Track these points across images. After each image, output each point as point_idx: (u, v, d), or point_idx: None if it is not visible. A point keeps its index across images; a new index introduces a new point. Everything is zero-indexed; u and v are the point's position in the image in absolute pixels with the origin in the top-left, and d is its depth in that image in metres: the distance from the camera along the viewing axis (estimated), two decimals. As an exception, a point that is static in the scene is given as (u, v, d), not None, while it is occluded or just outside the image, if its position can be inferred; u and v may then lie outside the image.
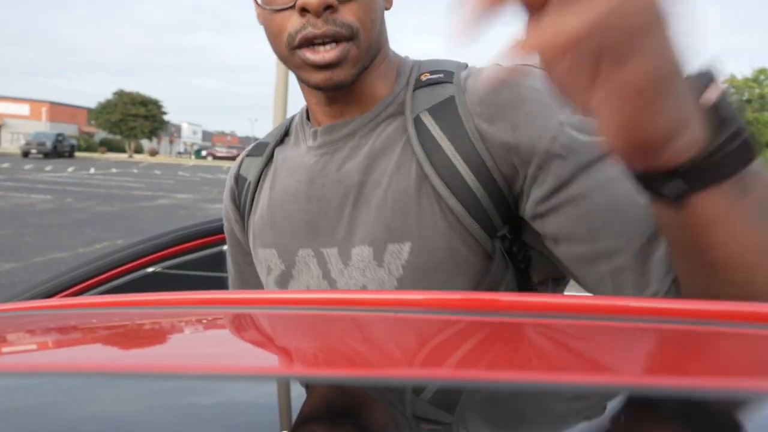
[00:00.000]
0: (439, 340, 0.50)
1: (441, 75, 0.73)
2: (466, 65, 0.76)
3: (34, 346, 0.53)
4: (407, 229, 0.68)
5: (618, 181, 0.60)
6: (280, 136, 0.86)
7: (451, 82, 0.72)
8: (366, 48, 0.71)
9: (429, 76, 0.75)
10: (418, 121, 0.70)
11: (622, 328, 0.51)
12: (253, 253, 0.85)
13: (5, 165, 25.36)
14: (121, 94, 48.54)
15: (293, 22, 0.69)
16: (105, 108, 47.07)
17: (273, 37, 0.72)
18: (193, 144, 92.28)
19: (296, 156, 0.81)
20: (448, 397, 0.36)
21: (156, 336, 0.56)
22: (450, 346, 0.48)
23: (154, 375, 0.39)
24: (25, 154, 34.09)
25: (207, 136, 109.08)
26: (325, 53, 0.68)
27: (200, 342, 0.52)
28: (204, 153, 55.90)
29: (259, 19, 0.76)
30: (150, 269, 1.40)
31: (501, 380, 0.38)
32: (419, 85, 0.74)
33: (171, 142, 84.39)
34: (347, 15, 0.68)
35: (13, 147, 51.86)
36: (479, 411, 0.35)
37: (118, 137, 49.67)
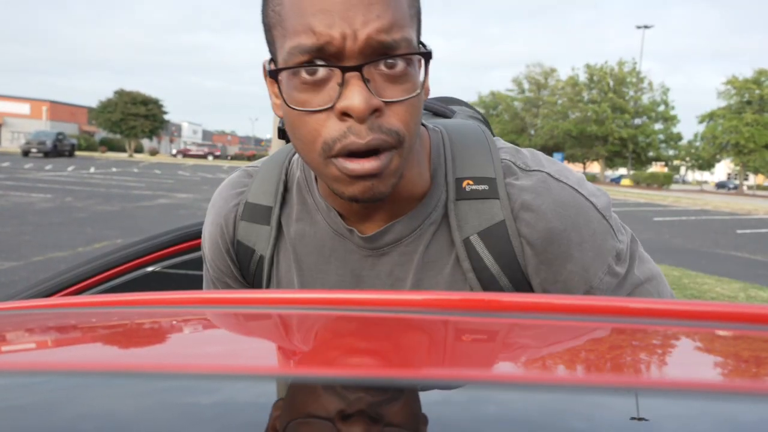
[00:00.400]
0: (440, 340, 0.50)
1: (486, 187, 0.69)
2: (501, 161, 0.71)
3: (33, 345, 0.53)
4: None
5: None
6: (279, 199, 0.77)
7: (497, 198, 0.68)
8: (407, 155, 0.63)
9: (472, 186, 0.69)
10: (467, 243, 0.69)
11: (622, 329, 0.51)
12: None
13: (5, 164, 25.35)
14: (121, 94, 48.51)
15: (330, 128, 0.59)
16: (105, 107, 47.06)
17: (303, 142, 0.62)
18: (193, 143, 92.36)
19: (319, 239, 0.74)
20: (448, 397, 0.36)
21: (156, 336, 0.56)
22: (450, 346, 0.48)
23: (154, 375, 0.39)
24: (26, 153, 34.08)
25: (207, 135, 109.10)
26: (366, 162, 0.59)
27: (200, 342, 0.52)
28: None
29: (280, 113, 0.66)
30: (150, 269, 1.40)
31: (501, 380, 0.38)
32: (462, 196, 0.70)
33: (171, 141, 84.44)
34: (393, 119, 0.59)
35: (14, 146, 51.87)
36: (479, 411, 0.35)
37: (118, 137, 49.68)
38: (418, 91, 0.60)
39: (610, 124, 47.61)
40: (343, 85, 0.57)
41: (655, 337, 0.50)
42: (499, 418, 0.34)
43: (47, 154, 34.36)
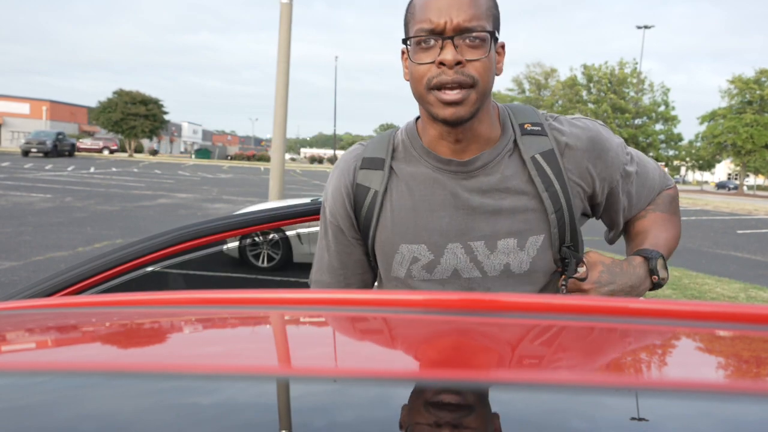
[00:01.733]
0: (439, 340, 0.50)
1: (538, 128, 1.07)
2: (543, 115, 1.11)
3: (33, 345, 0.53)
4: (539, 225, 1.04)
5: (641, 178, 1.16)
6: (390, 152, 1.11)
7: (546, 135, 1.07)
8: (482, 95, 0.98)
9: (531, 127, 1.08)
10: (534, 160, 1.05)
11: (622, 329, 0.51)
12: (388, 247, 1.09)
13: (5, 164, 25.34)
14: (121, 94, 48.46)
15: (432, 71, 0.96)
16: (105, 107, 47.01)
17: (417, 81, 0.99)
18: (193, 143, 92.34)
19: (424, 173, 1.07)
20: (448, 396, 0.36)
21: (156, 336, 0.56)
22: (450, 346, 0.48)
23: (154, 375, 0.39)
24: (26, 152, 34.06)
25: (207, 135, 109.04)
26: (454, 94, 0.96)
27: (200, 342, 0.52)
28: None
29: (406, 72, 1.04)
30: (149, 269, 1.40)
31: (501, 380, 0.38)
32: (525, 132, 1.07)
33: (171, 141, 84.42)
34: (470, 70, 0.96)
35: (14, 146, 51.86)
36: (478, 410, 0.35)
37: (118, 136, 49.67)
38: (488, 53, 0.96)
39: (610, 124, 47.59)
40: (442, 48, 0.96)
41: (655, 337, 0.50)
42: (499, 417, 0.34)
43: (47, 154, 34.36)
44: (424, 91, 0.98)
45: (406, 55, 1.03)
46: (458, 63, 0.94)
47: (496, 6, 1.02)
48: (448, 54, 0.94)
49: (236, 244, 1.97)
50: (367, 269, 1.17)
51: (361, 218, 1.11)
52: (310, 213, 1.58)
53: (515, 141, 1.07)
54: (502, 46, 1.05)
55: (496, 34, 1.01)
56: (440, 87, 0.96)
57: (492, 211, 1.04)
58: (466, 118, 0.98)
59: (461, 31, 0.95)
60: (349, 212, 1.12)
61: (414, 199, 1.07)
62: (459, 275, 1.05)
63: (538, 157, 1.05)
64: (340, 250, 1.15)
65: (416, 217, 1.06)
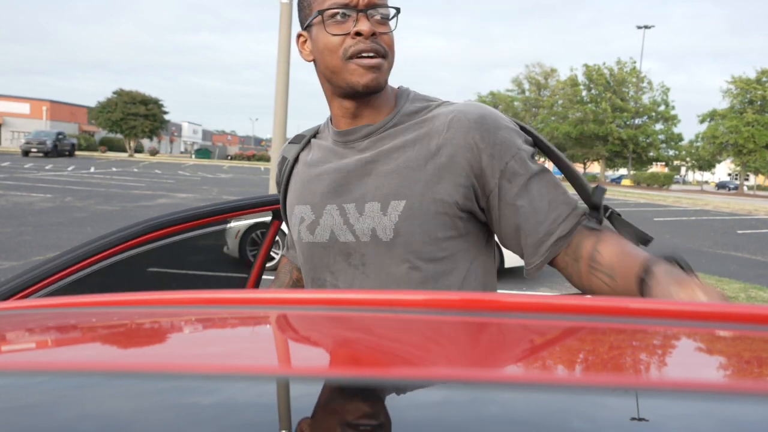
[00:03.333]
0: (440, 341, 0.50)
1: (425, 104, 1.09)
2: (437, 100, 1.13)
3: (33, 345, 0.53)
4: (404, 191, 1.02)
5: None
6: (314, 132, 1.23)
7: (430, 111, 1.08)
8: (391, 66, 1.04)
9: (418, 104, 1.10)
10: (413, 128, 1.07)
11: (622, 329, 0.51)
12: (289, 210, 1.19)
13: (5, 164, 25.34)
14: (121, 93, 48.46)
15: (348, 42, 1.01)
16: (105, 107, 47.03)
17: (332, 53, 1.03)
18: (193, 143, 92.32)
19: (325, 145, 1.16)
20: (449, 397, 0.36)
21: (156, 336, 0.56)
22: (450, 346, 0.48)
23: (154, 375, 0.39)
24: (26, 152, 34.07)
25: (207, 135, 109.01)
26: (373, 60, 1.01)
27: (200, 342, 0.52)
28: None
29: (310, 58, 1.11)
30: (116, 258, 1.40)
31: (501, 380, 0.38)
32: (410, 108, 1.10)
33: (171, 141, 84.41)
34: (385, 39, 1.02)
35: (14, 146, 51.83)
36: (479, 411, 0.35)
37: (119, 136, 49.66)
38: (391, 31, 1.04)
39: (610, 123, 47.59)
40: (357, 20, 1.01)
41: (655, 337, 0.50)
42: (499, 418, 0.34)
43: (47, 154, 34.35)
44: (340, 62, 1.02)
45: (304, 38, 1.09)
46: (373, 34, 1.00)
47: None
48: (365, 25, 1.00)
49: (237, 243, 1.97)
50: None
51: (281, 187, 1.25)
52: (267, 204, 1.60)
53: (399, 115, 1.09)
54: (399, 10, 1.10)
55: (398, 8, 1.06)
56: (359, 54, 1.00)
57: (364, 174, 1.06)
58: (381, 86, 1.03)
59: (373, 6, 1.01)
60: (279, 183, 1.26)
61: (312, 167, 1.15)
62: (336, 239, 1.08)
63: (416, 127, 1.06)
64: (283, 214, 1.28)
65: (309, 182, 1.14)
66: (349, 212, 1.06)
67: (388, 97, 1.10)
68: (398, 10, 1.04)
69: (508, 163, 1.00)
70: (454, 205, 1.01)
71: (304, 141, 1.23)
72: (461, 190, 1.01)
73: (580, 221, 1.00)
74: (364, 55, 1.00)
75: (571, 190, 1.10)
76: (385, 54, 1.02)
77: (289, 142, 1.28)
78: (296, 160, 1.22)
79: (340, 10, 1.01)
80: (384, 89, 1.06)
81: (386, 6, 1.03)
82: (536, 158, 1.07)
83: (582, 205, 1.04)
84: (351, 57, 1.01)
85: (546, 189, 1.01)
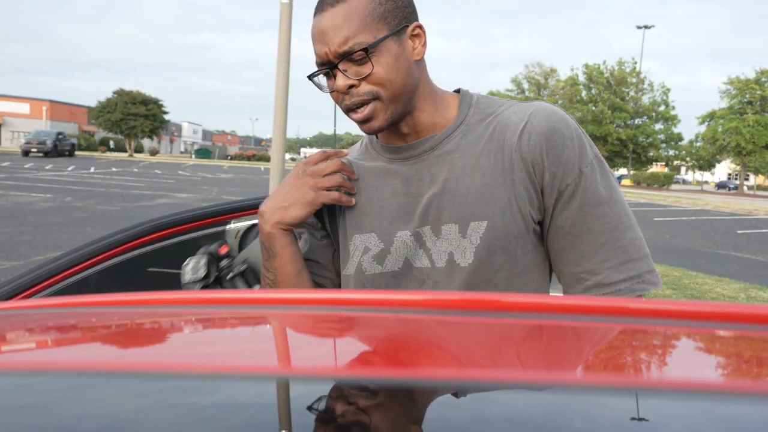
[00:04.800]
0: (440, 340, 0.50)
1: (491, 111, 1.03)
2: (508, 103, 1.05)
3: (33, 345, 0.53)
4: (485, 210, 0.97)
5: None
6: (357, 152, 1.16)
7: (497, 118, 1.01)
8: (393, 100, 0.98)
9: (484, 110, 1.04)
10: (484, 143, 1.01)
11: (622, 329, 0.51)
12: (341, 241, 1.12)
13: (5, 163, 25.32)
14: (121, 93, 48.43)
15: (337, 98, 1.00)
16: (105, 107, 47.01)
17: (337, 103, 1.02)
18: (193, 143, 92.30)
19: (376, 166, 1.09)
20: (449, 397, 0.36)
21: (156, 336, 0.56)
22: (450, 346, 0.48)
23: (154, 375, 0.39)
24: (26, 152, 34.05)
25: (207, 135, 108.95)
26: (359, 114, 0.98)
27: (200, 342, 0.52)
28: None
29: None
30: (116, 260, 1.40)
31: (501, 380, 0.38)
32: (479, 115, 1.03)
33: (171, 141, 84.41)
34: (366, 87, 0.96)
35: (14, 146, 51.81)
36: (479, 410, 0.35)
37: (119, 136, 49.66)
38: (373, 70, 0.95)
39: (609, 124, 47.59)
40: (334, 77, 0.98)
41: (655, 337, 0.50)
42: (499, 417, 0.34)
43: (47, 154, 34.34)
44: (345, 112, 1.01)
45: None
46: (351, 86, 0.96)
47: (382, 1, 0.97)
48: (339, 81, 0.97)
49: (237, 243, 1.97)
50: (322, 269, 1.16)
51: (323, 215, 1.16)
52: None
53: (465, 123, 1.03)
54: (418, 27, 1.01)
55: (386, 34, 0.96)
56: (348, 110, 0.99)
57: (438, 193, 1.00)
58: (385, 127, 1.00)
59: (342, 56, 0.95)
60: (312, 219, 1.16)
61: (368, 191, 1.08)
62: (410, 265, 1.02)
63: (488, 140, 1.01)
64: (305, 246, 1.19)
65: (369, 208, 1.07)
66: (425, 235, 1.01)
67: (435, 106, 1.04)
68: (367, 50, 0.95)
69: (569, 185, 0.96)
70: (531, 220, 0.97)
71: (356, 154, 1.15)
72: (535, 203, 0.97)
73: (641, 280, 0.94)
74: (351, 109, 0.99)
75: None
76: (376, 96, 0.97)
77: None
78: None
79: (320, 70, 1.00)
80: (417, 106, 1.02)
81: (356, 49, 0.95)
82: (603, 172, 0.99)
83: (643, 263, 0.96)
84: (346, 111, 1.00)
85: (604, 221, 0.95)
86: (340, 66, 0.96)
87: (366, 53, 0.95)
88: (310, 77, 1.03)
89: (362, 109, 0.98)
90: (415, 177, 1.03)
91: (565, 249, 0.98)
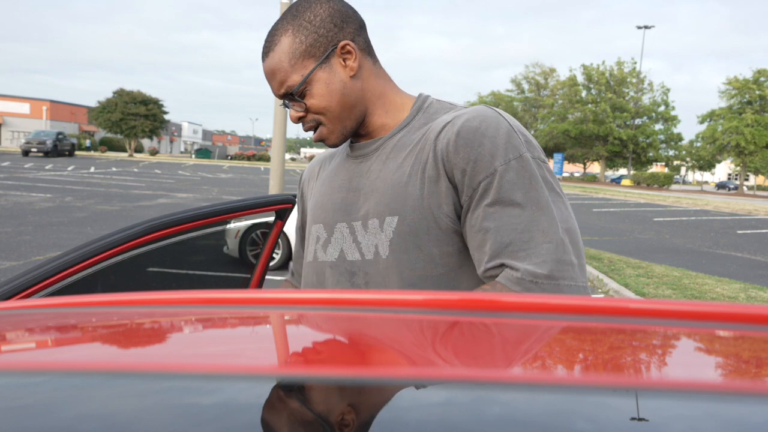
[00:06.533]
0: (440, 340, 0.50)
1: (428, 116, 1.08)
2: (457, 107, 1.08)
3: (33, 345, 0.53)
4: (396, 206, 1.01)
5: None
6: (333, 152, 1.24)
7: (431, 123, 1.05)
8: (337, 118, 1.07)
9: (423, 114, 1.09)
10: (416, 144, 1.05)
11: (622, 329, 0.51)
12: (307, 232, 1.19)
13: (5, 163, 25.33)
14: (121, 93, 48.46)
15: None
16: (105, 107, 47.03)
17: None
18: (193, 143, 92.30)
19: (339, 162, 1.17)
20: (449, 397, 0.36)
21: (156, 336, 0.56)
22: (450, 346, 0.48)
23: (154, 375, 0.39)
24: (26, 152, 34.09)
25: (207, 135, 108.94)
26: (315, 135, 1.10)
27: (200, 342, 0.52)
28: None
29: None
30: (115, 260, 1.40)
31: (501, 380, 0.38)
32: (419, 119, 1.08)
33: (171, 141, 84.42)
34: (310, 116, 1.07)
35: (14, 146, 51.83)
36: (479, 410, 0.35)
37: (119, 136, 49.69)
38: (308, 104, 1.06)
39: (610, 123, 47.61)
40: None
41: (655, 337, 0.50)
42: (499, 418, 0.34)
43: (47, 154, 34.35)
44: None
45: None
46: (302, 117, 1.07)
47: (307, 31, 1.04)
48: (291, 113, 1.08)
49: (237, 243, 1.98)
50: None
51: (299, 207, 1.31)
52: (269, 204, 1.61)
53: (408, 127, 1.08)
54: (347, 45, 1.05)
55: (312, 67, 1.04)
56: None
57: (370, 189, 1.06)
58: (341, 141, 1.09)
59: (284, 97, 1.07)
60: (300, 202, 1.31)
61: (326, 184, 1.17)
62: (344, 257, 1.07)
63: (417, 141, 1.04)
64: (298, 237, 1.32)
65: (322, 200, 1.15)
66: (357, 229, 1.07)
67: (387, 109, 1.10)
68: (295, 92, 1.04)
69: (481, 182, 0.94)
70: (446, 218, 0.97)
71: (327, 160, 1.24)
72: (450, 201, 0.97)
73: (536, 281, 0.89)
74: (308, 131, 1.10)
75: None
76: (320, 122, 1.06)
77: (310, 162, 1.33)
78: (317, 178, 1.25)
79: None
80: (368, 112, 1.09)
81: (293, 88, 1.04)
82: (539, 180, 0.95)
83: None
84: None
85: (513, 221, 0.92)
86: (288, 102, 1.08)
87: (293, 95, 1.05)
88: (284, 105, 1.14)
89: (315, 132, 1.09)
90: (357, 173, 1.10)
91: (474, 249, 0.96)
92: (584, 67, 50.86)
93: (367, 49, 1.09)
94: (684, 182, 74.54)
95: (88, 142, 48.34)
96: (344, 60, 1.06)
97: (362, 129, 1.11)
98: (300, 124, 1.11)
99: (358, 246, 1.06)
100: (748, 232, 14.67)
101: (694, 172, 70.24)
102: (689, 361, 0.44)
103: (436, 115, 1.07)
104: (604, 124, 47.38)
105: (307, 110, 1.06)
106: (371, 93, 1.09)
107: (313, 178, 1.26)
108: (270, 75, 1.07)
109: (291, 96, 1.06)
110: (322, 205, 1.15)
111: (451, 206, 0.98)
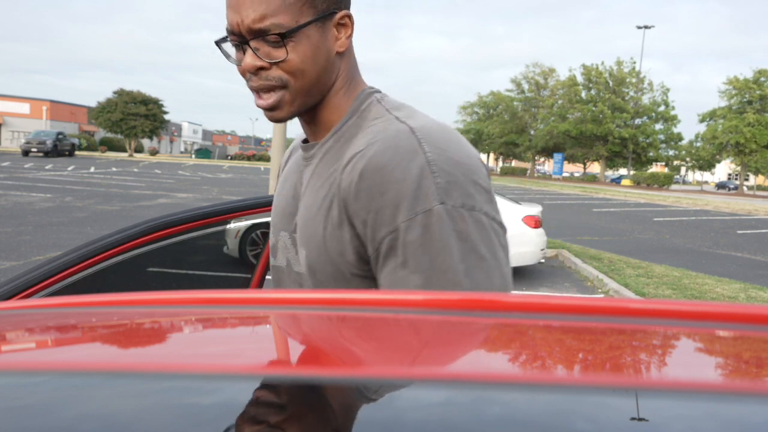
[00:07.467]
0: (440, 340, 0.50)
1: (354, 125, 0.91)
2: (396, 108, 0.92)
3: (33, 345, 0.53)
4: (305, 239, 0.90)
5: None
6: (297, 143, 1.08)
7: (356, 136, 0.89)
8: (301, 92, 0.88)
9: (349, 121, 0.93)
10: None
11: (622, 329, 0.51)
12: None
13: (5, 163, 25.34)
14: (121, 93, 48.49)
15: (244, 74, 0.90)
16: (105, 107, 47.06)
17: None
18: (193, 143, 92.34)
19: (294, 160, 1.03)
20: (449, 397, 0.36)
21: (156, 336, 0.56)
22: (450, 346, 0.48)
23: (154, 375, 0.39)
24: (26, 152, 34.11)
25: (207, 135, 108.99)
26: (262, 100, 0.89)
27: (200, 342, 0.52)
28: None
29: None
30: (117, 259, 1.40)
31: (501, 380, 0.38)
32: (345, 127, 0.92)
33: (171, 141, 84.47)
34: (277, 72, 0.86)
35: (14, 146, 51.85)
36: (479, 411, 0.35)
37: (119, 136, 49.70)
38: (287, 56, 0.85)
39: (609, 123, 47.63)
40: (244, 51, 0.87)
41: (655, 337, 0.50)
42: (499, 418, 0.34)
43: (47, 154, 34.36)
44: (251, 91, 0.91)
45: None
46: (261, 68, 0.86)
47: None
48: (248, 59, 0.86)
49: (237, 243, 1.98)
50: None
51: None
52: (269, 204, 1.59)
53: (339, 133, 0.92)
54: (347, 17, 0.90)
55: (309, 19, 0.85)
56: (253, 91, 0.89)
57: (300, 206, 0.94)
58: (288, 118, 0.91)
59: (255, 33, 0.84)
60: None
61: (281, 182, 1.05)
62: (291, 268, 0.96)
63: (335, 160, 0.90)
64: None
65: (275, 200, 1.04)
66: (295, 240, 0.95)
67: (340, 105, 0.93)
68: (284, 36, 0.84)
69: (384, 240, 0.79)
70: (351, 266, 0.85)
71: (296, 143, 1.07)
72: (354, 251, 0.84)
73: None
74: (256, 92, 0.89)
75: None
76: (285, 84, 0.87)
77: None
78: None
79: (230, 38, 0.88)
80: (323, 103, 0.92)
81: (272, 30, 0.84)
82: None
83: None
84: (252, 91, 0.90)
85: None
86: (252, 43, 0.86)
87: (282, 39, 0.85)
88: (218, 43, 0.91)
89: (268, 95, 0.88)
90: (300, 180, 0.97)
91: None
92: (584, 67, 50.88)
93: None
94: (684, 182, 74.55)
95: (77, 140, 48.11)
96: (339, 31, 0.90)
97: (313, 121, 0.94)
98: (247, 79, 0.89)
99: (298, 259, 0.93)
100: (748, 232, 14.66)
101: (694, 172, 70.27)
102: (689, 361, 0.44)
103: (366, 122, 0.90)
104: (603, 124, 47.41)
105: (274, 63, 0.86)
106: (343, 81, 0.93)
107: (282, 169, 1.10)
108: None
109: (262, 36, 0.84)
110: (274, 206, 1.03)
111: (356, 255, 0.84)
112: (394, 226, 0.78)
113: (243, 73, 0.90)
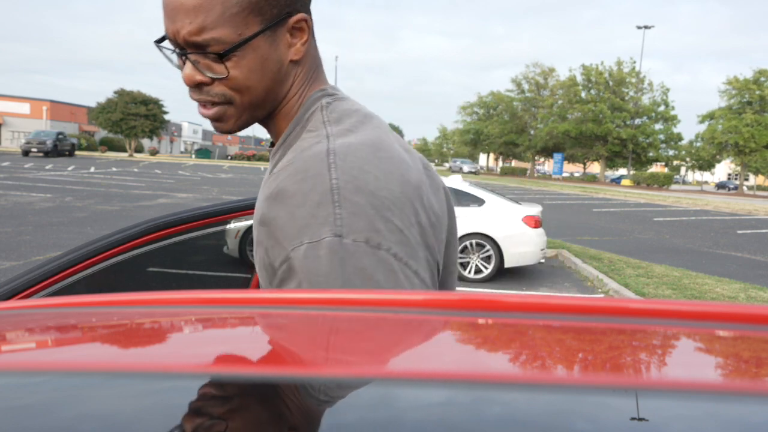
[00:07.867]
0: (440, 340, 0.50)
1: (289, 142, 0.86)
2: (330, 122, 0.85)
3: (33, 345, 0.53)
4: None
5: None
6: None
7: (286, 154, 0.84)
8: (247, 105, 0.82)
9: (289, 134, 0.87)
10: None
11: (622, 329, 0.51)
12: None
13: (5, 163, 25.36)
14: (121, 93, 48.53)
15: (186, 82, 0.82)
16: (105, 107, 47.09)
17: None
18: (193, 143, 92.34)
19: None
20: (447, 396, 0.36)
21: (156, 336, 0.56)
22: (450, 346, 0.48)
23: (154, 375, 0.39)
24: (26, 152, 34.14)
25: (207, 135, 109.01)
26: (205, 111, 0.83)
27: (200, 342, 0.52)
28: None
29: None
30: (117, 259, 1.40)
31: (501, 380, 0.38)
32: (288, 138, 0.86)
33: (171, 141, 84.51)
34: (219, 88, 0.80)
35: (14, 146, 51.89)
36: (479, 411, 0.35)
37: (119, 136, 49.70)
38: (229, 74, 0.78)
39: (609, 123, 47.65)
40: (184, 61, 0.80)
41: (655, 337, 0.50)
42: (499, 418, 0.34)
43: (47, 154, 34.36)
44: None
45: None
46: (201, 83, 0.80)
47: None
48: (187, 70, 0.79)
49: (237, 243, 1.98)
50: None
51: None
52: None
53: (285, 144, 0.85)
54: (303, 21, 0.81)
55: (255, 31, 0.77)
56: (196, 102, 0.83)
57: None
58: (233, 131, 0.85)
59: (193, 46, 0.77)
60: None
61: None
62: None
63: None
64: None
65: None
66: None
67: (289, 116, 0.87)
68: (222, 56, 0.76)
69: (281, 269, 0.74)
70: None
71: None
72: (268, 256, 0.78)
73: None
74: (199, 103, 0.82)
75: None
76: (229, 100, 0.80)
77: None
78: None
79: (169, 45, 0.80)
80: (274, 114, 0.85)
81: (211, 45, 0.76)
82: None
83: None
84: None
85: None
86: (190, 56, 0.78)
87: (204, 50, 0.77)
88: (157, 43, 0.83)
89: (210, 108, 0.81)
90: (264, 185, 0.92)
91: None
92: (584, 67, 50.90)
93: (313, 27, 0.85)
94: (684, 182, 74.55)
95: (77, 140, 48.14)
96: (293, 37, 0.81)
97: (268, 124, 0.88)
98: (191, 90, 0.81)
99: None
100: (748, 232, 14.67)
101: (694, 172, 70.28)
102: (689, 361, 0.44)
103: (303, 134, 0.83)
104: (603, 124, 47.43)
105: (216, 79, 0.79)
106: (300, 87, 0.85)
107: None
108: (181, 7, 0.75)
109: (201, 50, 0.76)
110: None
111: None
112: (285, 256, 0.73)
113: (184, 82, 0.82)
